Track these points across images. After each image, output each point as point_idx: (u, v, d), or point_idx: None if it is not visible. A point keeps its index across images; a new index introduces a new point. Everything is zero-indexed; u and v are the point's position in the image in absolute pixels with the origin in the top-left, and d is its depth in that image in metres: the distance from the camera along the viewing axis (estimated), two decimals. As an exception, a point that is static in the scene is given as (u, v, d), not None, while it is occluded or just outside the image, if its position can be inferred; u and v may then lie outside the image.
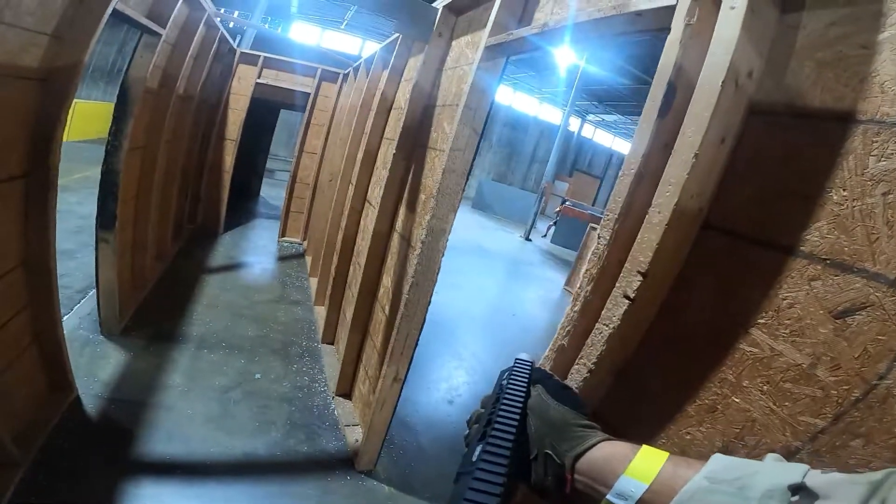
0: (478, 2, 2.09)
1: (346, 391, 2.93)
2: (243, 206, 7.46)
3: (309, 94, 5.76)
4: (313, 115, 5.85)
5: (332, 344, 3.69)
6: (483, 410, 0.59)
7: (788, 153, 0.69)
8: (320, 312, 4.22)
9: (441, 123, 2.28)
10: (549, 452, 0.53)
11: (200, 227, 5.63)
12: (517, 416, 0.54)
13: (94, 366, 2.61)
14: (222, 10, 4.07)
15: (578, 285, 0.89)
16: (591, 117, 21.01)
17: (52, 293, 2.03)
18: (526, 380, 0.61)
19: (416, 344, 2.14)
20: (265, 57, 5.58)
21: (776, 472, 0.39)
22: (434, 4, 2.43)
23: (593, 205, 18.97)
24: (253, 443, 2.36)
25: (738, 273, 0.73)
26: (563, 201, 13.00)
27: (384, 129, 3.35)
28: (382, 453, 2.33)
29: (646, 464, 0.46)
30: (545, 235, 12.98)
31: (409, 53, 3.02)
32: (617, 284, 0.79)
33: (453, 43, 2.34)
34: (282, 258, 5.66)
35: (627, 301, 0.77)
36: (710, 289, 0.77)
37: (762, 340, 0.70)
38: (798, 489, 0.37)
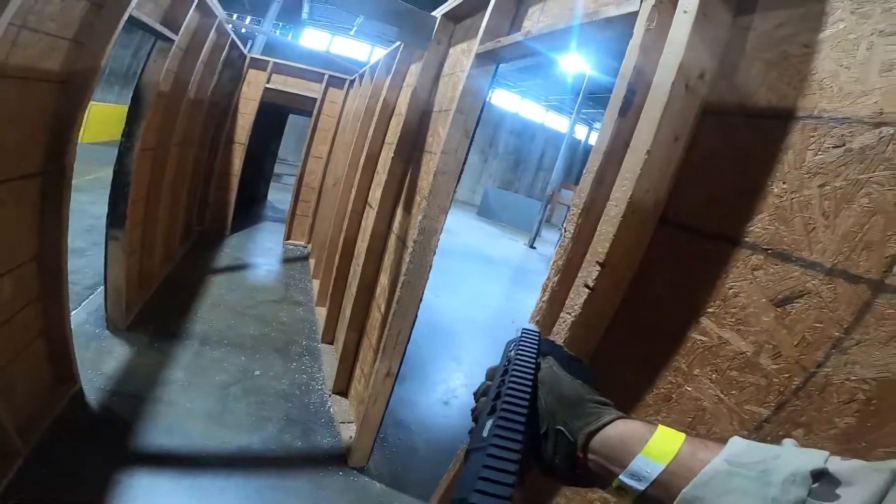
0: (474, 10, 2.15)
1: (342, 389, 2.97)
2: (250, 209, 7.56)
3: (316, 99, 5.85)
4: (320, 121, 5.93)
5: (332, 343, 3.74)
6: (490, 383, 0.56)
7: (738, 151, 0.73)
8: (321, 313, 4.27)
9: (437, 128, 2.34)
10: (561, 429, 0.50)
11: (208, 228, 5.74)
12: (528, 390, 0.51)
13: (99, 360, 2.69)
14: (234, 17, 4.19)
15: (547, 276, 0.92)
16: (597, 125, 21.00)
17: (61, 288, 2.10)
18: (535, 350, 0.58)
19: (409, 340, 2.17)
20: (274, 62, 5.68)
21: (798, 456, 0.38)
22: (433, 13, 2.49)
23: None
24: (249, 438, 2.40)
25: (691, 265, 0.76)
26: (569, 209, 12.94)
27: (385, 134, 3.42)
28: (376, 451, 2.36)
29: (663, 444, 0.44)
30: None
31: (411, 60, 3.09)
32: (579, 275, 0.83)
33: (451, 50, 2.40)
34: (286, 260, 5.74)
35: (588, 290, 0.80)
36: (666, 280, 0.80)
37: (710, 329, 0.72)
38: (820, 475, 0.36)
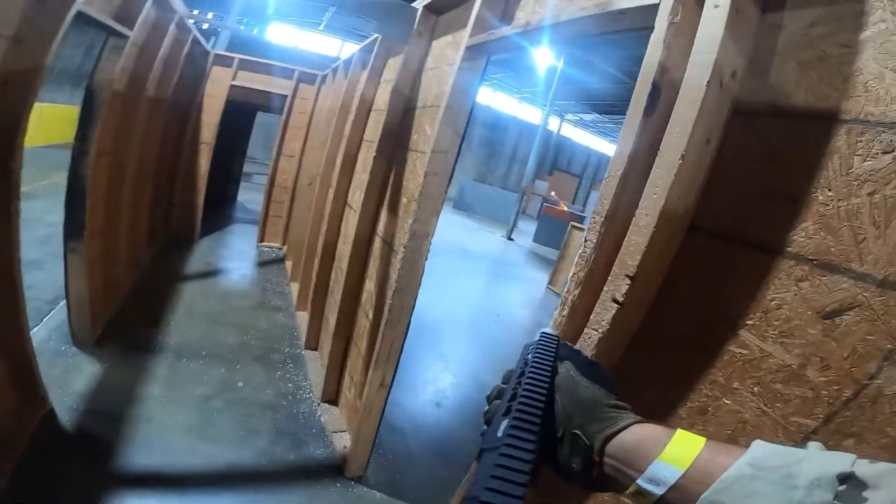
0: (458, 1, 2.07)
1: (331, 397, 2.87)
2: (220, 211, 7.27)
3: (286, 96, 5.66)
4: (291, 118, 5.75)
5: (316, 350, 3.63)
6: (506, 385, 0.56)
7: (772, 153, 0.69)
8: (302, 318, 4.14)
9: (422, 125, 2.26)
10: (578, 433, 0.50)
11: (175, 233, 5.47)
12: (544, 392, 0.51)
13: (68, 378, 2.50)
14: (195, 12, 3.96)
15: (566, 289, 0.87)
16: (569, 116, 21.26)
17: (18, 304, 1.93)
18: (552, 355, 0.57)
19: (402, 349, 2.10)
20: (240, 59, 5.46)
21: (823, 460, 0.37)
22: (414, 4, 2.40)
23: (573, 203, 19.21)
24: (237, 452, 2.29)
25: (724, 274, 0.73)
26: (544, 201, 13.11)
27: (363, 131, 3.31)
28: (371, 459, 2.30)
29: (682, 449, 0.43)
30: None
31: (389, 54, 2.98)
32: (605, 288, 0.78)
33: (434, 43, 2.31)
34: (261, 263, 5.54)
35: (616, 305, 0.76)
36: (697, 290, 0.77)
37: (751, 342, 0.69)
38: (846, 478, 0.35)
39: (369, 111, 3.19)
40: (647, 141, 0.77)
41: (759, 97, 0.71)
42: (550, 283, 7.99)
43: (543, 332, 0.63)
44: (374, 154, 2.60)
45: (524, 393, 0.50)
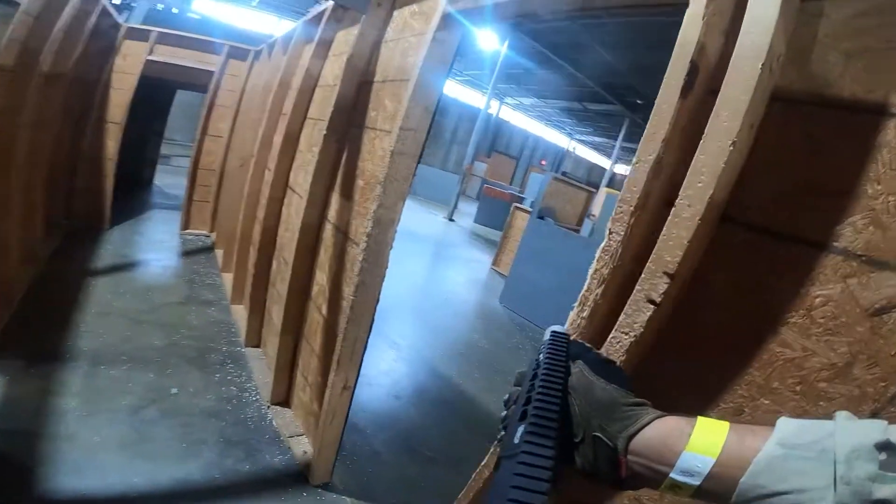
0: (420, -33, 1.89)
1: (282, 399, 2.66)
2: (134, 196, 6.47)
3: (213, 72, 5.14)
4: (218, 96, 5.25)
5: (259, 347, 3.35)
6: (519, 388, 0.55)
7: (814, 144, 0.66)
8: (239, 312, 3.81)
9: (382, 101, 2.08)
10: (599, 435, 0.49)
11: (80, 222, 4.76)
12: (559, 394, 0.50)
13: (-45, 399, 2.07)
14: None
15: (587, 287, 0.80)
16: (509, 100, 21.52)
17: None
18: (564, 354, 0.56)
19: (365, 348, 1.97)
20: (160, 32, 4.89)
21: (856, 430, 0.37)
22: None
23: (510, 184, 19.67)
24: (183, 467, 2.04)
25: (762, 270, 0.70)
26: (484, 182, 13.24)
27: (307, 108, 3.03)
28: (336, 463, 2.16)
29: (708, 437, 0.43)
30: None
31: (339, 26, 2.71)
32: (638, 287, 0.72)
33: (395, 13, 2.12)
34: (186, 253, 5.01)
35: (652, 306, 0.70)
36: (731, 287, 0.73)
37: (793, 340, 0.67)
38: (885, 447, 0.35)
39: (314, 87, 2.91)
40: (680, 125, 0.71)
41: (799, 84, 0.68)
42: (494, 263, 8.12)
43: (553, 331, 0.60)
44: (324, 132, 2.37)
45: (538, 397, 0.49)
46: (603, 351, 0.76)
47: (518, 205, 7.89)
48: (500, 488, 0.39)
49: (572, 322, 0.82)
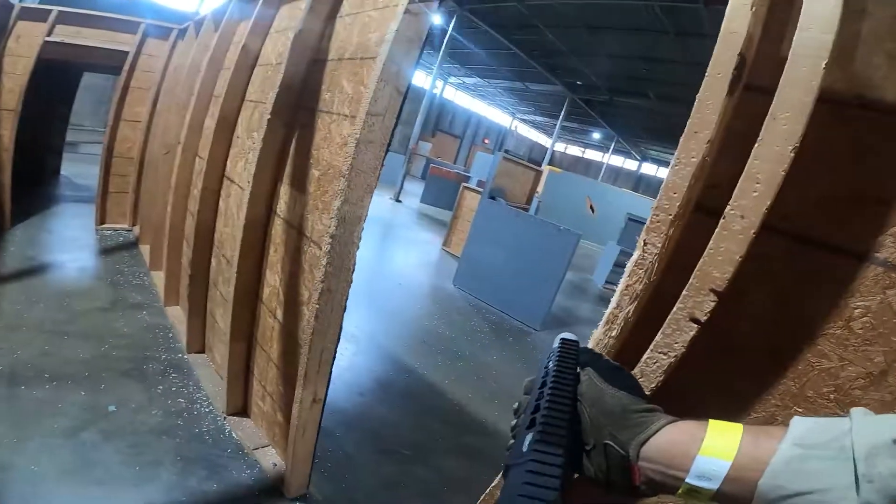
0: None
1: (238, 409, 2.46)
2: (38, 189, 5.67)
3: (128, 52, 4.58)
4: (134, 78, 4.70)
5: (203, 353, 3.07)
6: (528, 397, 0.55)
7: (856, 150, 0.64)
8: (176, 315, 3.47)
9: (338, 81, 1.88)
10: (610, 443, 0.49)
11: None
12: (568, 402, 0.50)
13: None
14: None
15: (616, 304, 0.75)
16: (452, 79, 21.23)
17: None
18: (573, 361, 0.55)
19: (334, 359, 1.83)
20: (61, 11, 4.30)
21: (872, 427, 0.37)
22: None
23: (455, 163, 19.62)
24: (142, 492, 1.84)
25: (803, 281, 0.68)
26: (429, 161, 13.09)
27: (245, 89, 2.72)
28: (310, 472, 2.03)
29: (722, 440, 0.43)
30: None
31: (282, 0, 2.42)
32: (680, 304, 0.67)
33: (350, -16, 1.91)
34: (106, 251, 4.46)
35: (696, 325, 0.66)
36: (766, 297, 0.71)
37: (830, 351, 0.66)
38: None
39: (253, 66, 2.61)
40: (725, 123, 0.66)
41: (841, 84, 0.65)
42: (445, 244, 8.09)
43: (563, 339, 0.60)
44: (269, 116, 2.12)
45: (547, 405, 0.49)
46: (637, 371, 0.72)
47: (467, 185, 7.85)
48: (509, 497, 0.39)
49: (598, 342, 0.77)
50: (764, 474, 0.39)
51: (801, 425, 0.40)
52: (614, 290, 0.76)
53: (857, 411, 0.40)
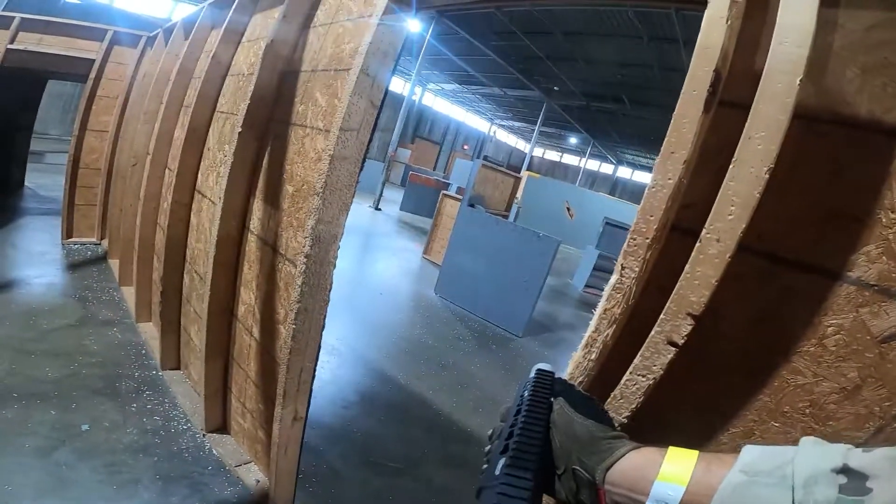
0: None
1: (218, 426, 2.38)
2: (2, 201, 5.45)
3: (93, 60, 4.44)
4: (100, 86, 4.55)
5: (179, 369, 2.97)
6: (503, 424, 0.58)
7: (831, 166, 0.65)
8: (149, 331, 3.35)
9: (312, 94, 1.85)
10: (577, 468, 0.52)
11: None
12: (540, 430, 0.53)
13: None
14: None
15: (595, 328, 0.75)
16: (431, 85, 21.28)
17: None
18: (547, 391, 0.59)
19: (314, 377, 1.79)
20: (23, 18, 4.19)
21: (816, 455, 0.38)
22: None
23: (434, 170, 19.65)
24: (123, 510, 1.76)
25: (777, 300, 0.68)
26: (409, 169, 13.07)
27: (216, 100, 2.65)
28: (297, 489, 1.98)
29: (678, 466, 0.45)
30: None
31: (255, 9, 2.37)
32: (657, 328, 0.67)
33: (325, -6, 1.88)
34: (74, 266, 4.28)
35: (673, 348, 0.66)
36: (741, 316, 0.71)
37: (805, 368, 0.67)
38: (843, 471, 0.36)
39: (225, 76, 2.55)
40: (702, 143, 0.67)
41: (815, 100, 0.65)
42: (426, 252, 8.06)
43: (539, 369, 0.62)
44: (240, 129, 2.07)
45: (519, 431, 0.52)
46: (617, 393, 0.72)
47: (447, 192, 7.85)
48: None
49: (578, 364, 0.76)
50: (713, 500, 0.40)
51: (750, 453, 0.42)
52: (594, 294, 0.77)
53: (807, 440, 0.41)
